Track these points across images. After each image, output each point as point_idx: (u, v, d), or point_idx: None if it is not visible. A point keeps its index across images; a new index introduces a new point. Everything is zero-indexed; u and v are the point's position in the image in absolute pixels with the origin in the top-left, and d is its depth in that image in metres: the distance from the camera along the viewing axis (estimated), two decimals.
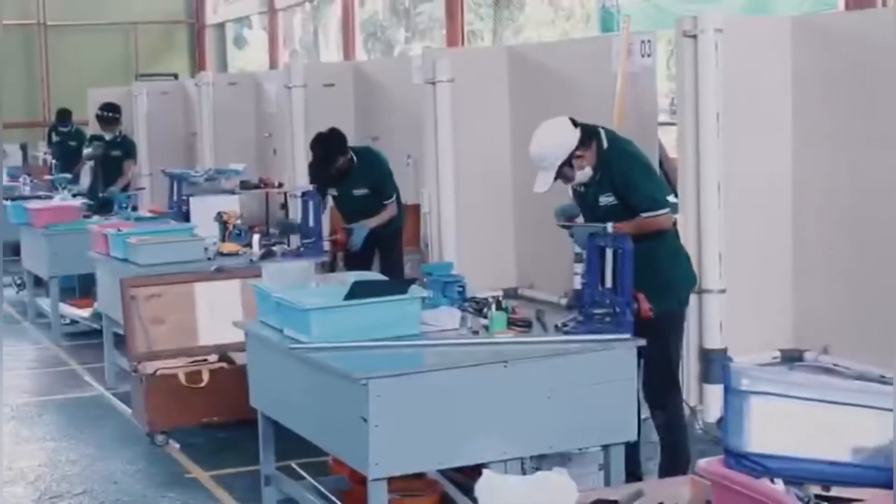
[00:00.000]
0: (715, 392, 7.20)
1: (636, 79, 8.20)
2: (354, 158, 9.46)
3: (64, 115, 18.32)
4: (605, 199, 6.40)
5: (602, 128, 6.57)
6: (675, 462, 6.62)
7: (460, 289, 6.59)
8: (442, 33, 18.97)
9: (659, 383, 6.51)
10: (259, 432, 6.63)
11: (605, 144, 6.47)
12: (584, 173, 6.43)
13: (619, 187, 6.39)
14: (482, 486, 4.89)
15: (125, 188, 13.75)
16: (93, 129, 16.37)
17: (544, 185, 6.43)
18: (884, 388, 4.28)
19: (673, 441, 6.66)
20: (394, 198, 9.65)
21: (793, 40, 7.54)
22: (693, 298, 7.33)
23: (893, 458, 3.91)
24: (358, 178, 9.47)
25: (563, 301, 8.57)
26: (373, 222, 9.49)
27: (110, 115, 14.18)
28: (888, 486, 3.95)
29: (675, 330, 6.70)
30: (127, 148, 14.40)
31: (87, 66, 25.91)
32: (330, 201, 9.77)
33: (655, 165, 8.07)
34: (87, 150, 14.43)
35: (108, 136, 14.14)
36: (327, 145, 9.33)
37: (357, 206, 9.58)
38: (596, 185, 6.45)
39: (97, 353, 10.58)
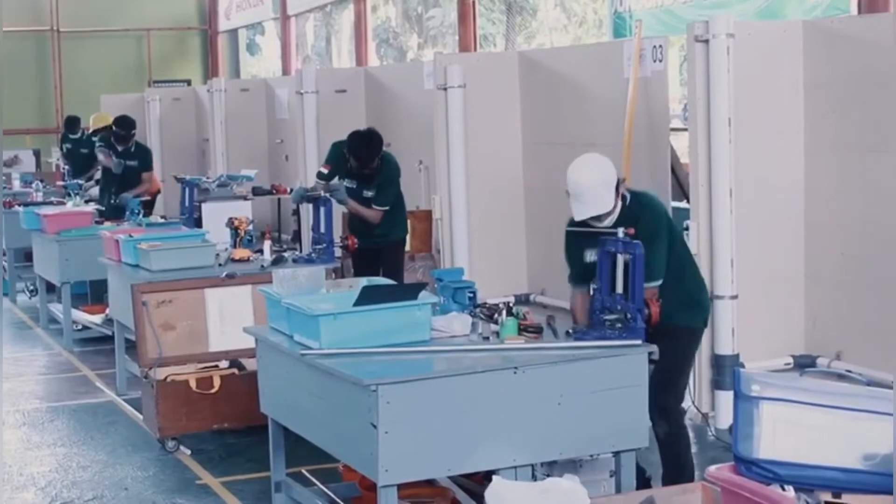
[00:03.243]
0: (727, 398, 7.17)
1: (648, 84, 8.18)
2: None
3: (72, 123, 18.34)
4: None
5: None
6: (679, 474, 6.59)
7: (471, 295, 6.57)
8: (454, 39, 18.97)
9: (667, 394, 6.48)
10: (269, 438, 6.62)
11: (628, 195, 6.42)
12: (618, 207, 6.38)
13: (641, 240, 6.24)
14: (492, 493, 4.88)
15: (138, 195, 13.69)
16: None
17: (608, 205, 6.25)
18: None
19: (676, 453, 6.64)
20: (385, 208, 9.70)
21: (805, 45, 7.51)
22: None
23: (893, 465, 3.89)
24: (373, 178, 9.56)
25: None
26: (355, 204, 9.63)
27: (124, 132, 14.09)
28: None
29: (694, 347, 6.76)
30: (143, 158, 14.31)
31: (99, 72, 26.00)
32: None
33: (668, 172, 8.08)
34: (102, 156, 14.30)
35: (120, 148, 14.05)
36: (370, 144, 9.48)
37: (361, 203, 9.64)
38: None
39: (109, 358, 10.60)
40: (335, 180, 9.72)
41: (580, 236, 6.44)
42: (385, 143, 10.92)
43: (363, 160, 9.45)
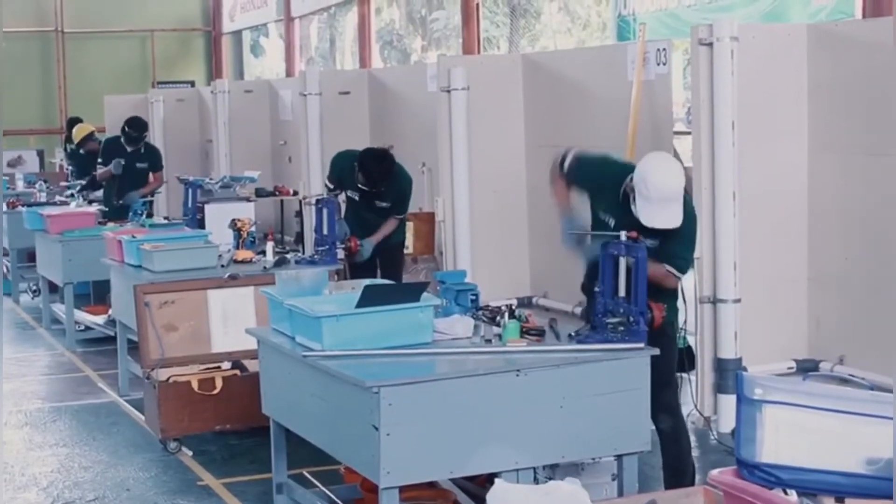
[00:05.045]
0: (729, 402, 7.16)
1: (651, 87, 8.17)
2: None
3: (74, 125, 18.31)
4: (650, 242, 6.23)
5: None
6: (682, 472, 6.59)
7: (473, 297, 6.56)
8: (458, 41, 18.95)
9: (667, 390, 6.52)
10: (271, 440, 6.62)
11: None
12: None
13: (670, 232, 6.31)
14: (494, 495, 4.87)
15: (145, 195, 13.63)
16: (109, 133, 16.37)
17: (678, 217, 6.30)
18: None
19: (679, 450, 6.64)
20: (403, 216, 9.89)
21: (808, 48, 7.51)
22: (708, 308, 7.32)
23: (893, 469, 3.88)
24: (387, 192, 9.61)
25: (578, 310, 8.58)
26: (377, 237, 9.71)
27: (136, 134, 14.02)
28: None
29: (676, 337, 6.81)
30: (153, 158, 14.24)
31: (103, 73, 26.00)
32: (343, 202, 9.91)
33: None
34: (101, 171, 14.21)
35: (129, 149, 13.99)
36: (381, 165, 9.53)
37: (372, 216, 9.71)
38: (639, 226, 6.25)
39: (111, 359, 10.60)
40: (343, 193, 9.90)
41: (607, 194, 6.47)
42: (388, 145, 10.95)
43: (373, 180, 9.48)
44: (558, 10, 21.19)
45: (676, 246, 6.39)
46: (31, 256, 13.95)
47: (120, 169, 13.82)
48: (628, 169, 6.48)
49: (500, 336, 6.07)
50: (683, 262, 6.45)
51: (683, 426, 6.72)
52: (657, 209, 6.19)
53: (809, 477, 4.15)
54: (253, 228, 9.87)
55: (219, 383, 8.11)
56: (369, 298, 5.92)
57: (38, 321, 13.34)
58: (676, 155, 8.61)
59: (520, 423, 5.64)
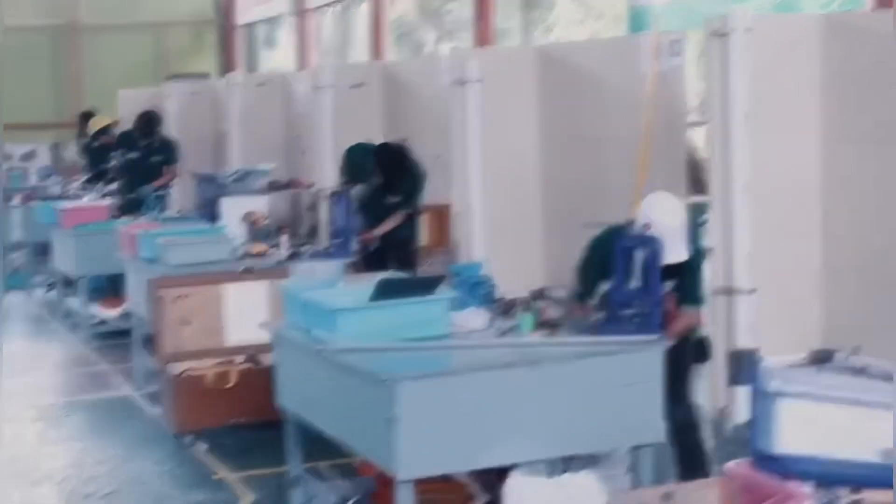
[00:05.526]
0: (745, 393, 7.15)
1: (665, 78, 8.15)
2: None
3: (87, 118, 18.30)
4: (667, 284, 6.32)
5: None
6: (694, 462, 6.60)
7: (489, 290, 6.56)
8: (471, 33, 18.92)
9: (678, 381, 6.52)
10: (286, 433, 6.62)
11: None
12: None
13: (682, 271, 6.37)
14: (510, 488, 4.88)
15: (158, 188, 13.63)
16: (124, 126, 16.39)
17: (684, 251, 6.38)
18: None
19: (694, 440, 6.65)
20: (410, 210, 9.91)
21: (822, 39, 7.48)
22: (722, 299, 7.29)
23: (893, 461, 3.88)
24: (400, 186, 9.64)
25: (593, 302, 8.57)
26: (381, 230, 9.78)
27: (147, 129, 14.04)
28: None
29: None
30: (167, 152, 14.27)
31: (117, 66, 26.00)
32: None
33: (683, 167, 8.06)
34: (113, 164, 14.28)
35: (143, 143, 14.01)
36: (398, 159, 9.57)
37: (382, 210, 9.73)
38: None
39: (126, 353, 10.61)
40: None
41: (605, 261, 6.46)
42: (402, 137, 10.94)
43: (388, 174, 9.53)
44: (571, 1, 21.17)
45: (691, 283, 6.56)
46: (45, 250, 13.97)
47: (122, 162, 13.86)
48: (612, 228, 6.58)
49: (515, 328, 6.07)
50: (702, 297, 6.63)
51: (696, 417, 6.72)
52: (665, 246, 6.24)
53: (825, 468, 4.15)
54: (267, 222, 9.88)
55: (233, 377, 8.13)
56: (384, 292, 5.92)
57: (53, 315, 13.36)
58: (692, 148, 8.63)
59: (535, 415, 5.65)
